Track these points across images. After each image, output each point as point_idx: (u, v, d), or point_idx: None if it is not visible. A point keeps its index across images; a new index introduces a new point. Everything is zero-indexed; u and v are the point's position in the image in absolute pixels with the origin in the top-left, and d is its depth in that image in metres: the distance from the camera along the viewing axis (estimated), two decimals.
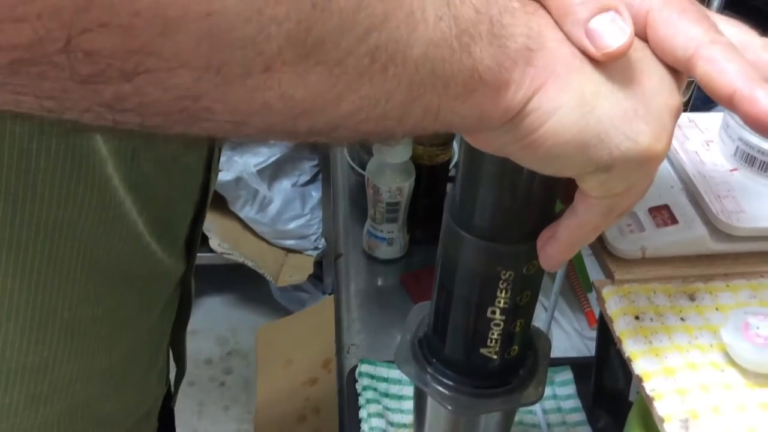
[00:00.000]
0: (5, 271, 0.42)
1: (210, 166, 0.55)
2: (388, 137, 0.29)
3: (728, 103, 0.31)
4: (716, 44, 0.31)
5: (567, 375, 0.70)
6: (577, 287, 0.79)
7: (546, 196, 0.39)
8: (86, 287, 0.46)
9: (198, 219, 0.57)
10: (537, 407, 0.68)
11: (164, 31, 0.21)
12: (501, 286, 0.42)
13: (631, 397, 0.65)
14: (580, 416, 0.67)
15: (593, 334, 0.75)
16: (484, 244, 0.40)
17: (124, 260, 0.48)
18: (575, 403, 0.68)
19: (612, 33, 0.29)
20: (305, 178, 1.76)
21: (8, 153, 0.38)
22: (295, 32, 0.23)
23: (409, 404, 0.67)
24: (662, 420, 0.37)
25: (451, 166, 0.87)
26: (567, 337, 0.77)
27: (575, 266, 0.79)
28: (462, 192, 0.41)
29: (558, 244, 0.36)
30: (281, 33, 0.22)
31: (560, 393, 0.69)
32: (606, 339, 0.67)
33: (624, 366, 0.66)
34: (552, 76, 0.29)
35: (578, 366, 0.71)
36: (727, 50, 0.31)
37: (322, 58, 0.24)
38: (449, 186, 0.89)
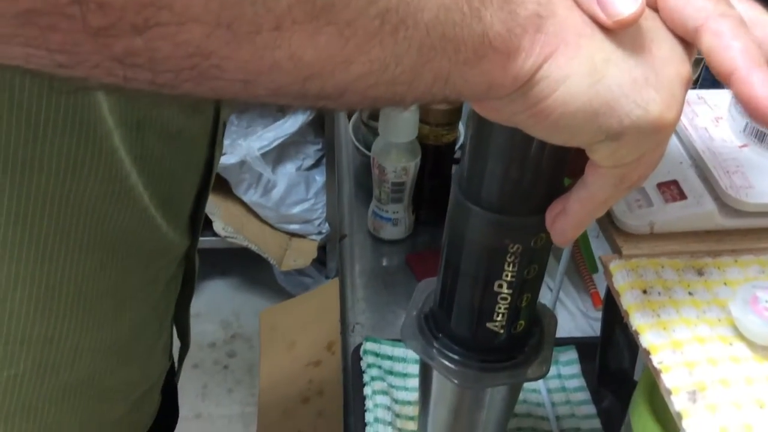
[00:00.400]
0: (12, 242, 0.42)
1: (214, 142, 0.55)
2: (398, 103, 0.28)
3: (726, 80, 0.31)
4: (725, 18, 0.31)
5: (572, 354, 0.70)
6: (583, 268, 0.79)
7: (555, 168, 0.39)
8: (92, 260, 0.46)
9: (202, 194, 0.57)
10: (541, 386, 0.68)
11: None
12: (508, 260, 0.42)
13: (636, 377, 0.65)
14: (585, 395, 0.68)
15: (598, 314, 0.75)
16: (493, 216, 0.40)
17: (130, 234, 0.48)
18: (580, 382, 0.69)
19: (623, 0, 0.29)
20: (309, 162, 1.76)
21: (16, 123, 0.38)
22: None
23: (414, 382, 0.67)
24: (669, 392, 0.37)
25: (456, 147, 0.87)
26: (572, 317, 0.77)
27: (581, 247, 0.79)
28: (470, 164, 0.40)
29: (569, 218, 0.36)
30: None
31: (565, 372, 0.69)
32: (611, 319, 0.67)
33: (629, 346, 0.66)
34: (562, 44, 0.29)
35: (583, 346, 0.71)
36: (735, 25, 0.31)
37: (332, 19, 0.24)
38: (455, 167, 0.89)
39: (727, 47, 0.30)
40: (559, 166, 0.39)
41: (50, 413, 0.49)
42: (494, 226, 0.41)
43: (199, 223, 0.57)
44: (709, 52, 0.31)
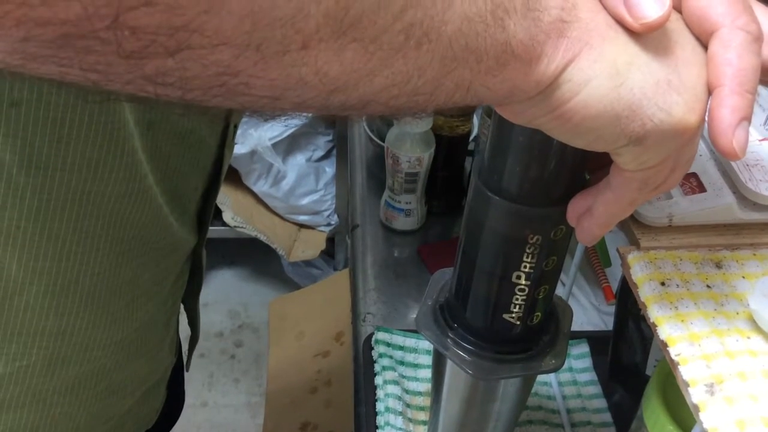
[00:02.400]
0: (31, 239, 0.42)
1: (224, 143, 0.56)
2: (419, 112, 0.29)
3: (710, 91, 0.31)
4: (740, 32, 0.31)
5: (583, 348, 0.70)
6: (595, 262, 0.79)
7: (577, 159, 0.39)
8: (108, 258, 0.46)
9: (210, 193, 0.57)
10: (552, 379, 0.68)
11: (208, 9, 0.21)
12: (528, 251, 0.42)
13: (648, 371, 0.65)
14: (596, 389, 0.68)
15: (610, 309, 0.75)
16: (513, 206, 0.40)
17: (145, 232, 0.48)
18: (591, 376, 0.69)
19: (650, 3, 0.29)
20: (320, 153, 1.76)
21: (42, 122, 0.39)
22: (334, 10, 0.23)
23: (425, 372, 0.67)
24: (687, 384, 0.37)
25: (470, 139, 0.87)
26: (584, 311, 0.77)
27: None
28: (492, 154, 0.40)
29: (594, 219, 0.36)
30: (320, 11, 0.23)
31: (576, 366, 0.69)
32: (624, 313, 0.67)
33: (641, 340, 0.66)
34: (586, 47, 0.29)
35: (595, 339, 0.71)
36: (746, 42, 0.31)
37: (358, 36, 0.24)
38: (468, 159, 0.89)
39: (724, 62, 0.31)
40: (581, 158, 0.39)
41: (60, 405, 0.50)
42: (514, 216, 0.41)
43: (207, 221, 0.58)
44: (710, 59, 0.31)
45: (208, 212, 0.57)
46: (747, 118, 0.30)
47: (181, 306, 0.65)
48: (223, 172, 0.57)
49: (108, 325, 0.49)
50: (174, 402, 0.70)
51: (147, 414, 0.60)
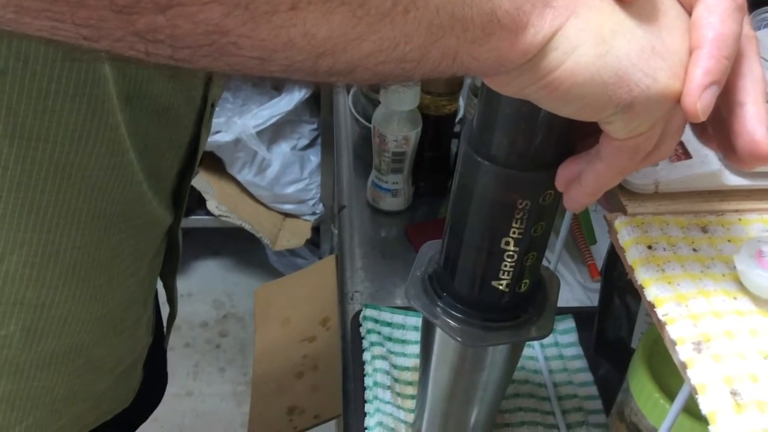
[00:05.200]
0: (12, 209, 0.42)
1: (201, 121, 0.56)
2: (406, 79, 0.29)
3: (691, 50, 0.32)
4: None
5: (569, 323, 0.71)
6: (580, 240, 0.80)
7: (565, 126, 0.39)
8: (90, 232, 0.46)
9: (185, 172, 0.57)
10: (539, 354, 0.69)
11: None
12: (517, 216, 0.42)
13: (634, 345, 0.66)
14: (582, 363, 0.68)
15: (595, 285, 0.76)
16: (503, 171, 0.40)
17: (126, 208, 0.48)
18: (577, 350, 0.69)
19: None
20: (304, 141, 1.75)
21: (27, 92, 0.39)
22: None
23: (413, 348, 0.67)
24: (674, 343, 0.37)
25: (456, 120, 0.87)
26: (570, 288, 0.77)
27: (579, 219, 0.79)
28: (481, 118, 0.41)
29: (583, 188, 0.37)
30: None
31: (562, 341, 0.70)
32: (609, 288, 0.67)
33: (627, 314, 0.67)
34: (572, 16, 0.29)
35: (580, 315, 0.72)
36: (730, 9, 0.31)
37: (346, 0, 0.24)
38: (454, 142, 0.89)
39: (707, 25, 0.31)
40: (569, 124, 0.39)
41: (37, 377, 0.49)
42: (504, 181, 0.41)
43: (183, 200, 0.58)
44: (693, 22, 0.32)
45: (183, 192, 0.58)
46: (718, 83, 0.31)
47: (160, 283, 0.65)
48: (199, 151, 0.58)
49: (88, 300, 0.49)
50: (156, 383, 0.70)
51: (125, 393, 0.60)
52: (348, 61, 0.26)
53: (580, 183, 0.37)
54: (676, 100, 0.31)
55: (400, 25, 0.26)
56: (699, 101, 0.31)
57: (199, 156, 0.58)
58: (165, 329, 0.70)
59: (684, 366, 0.37)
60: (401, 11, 0.26)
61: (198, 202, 1.71)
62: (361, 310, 0.69)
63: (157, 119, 0.48)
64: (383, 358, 0.64)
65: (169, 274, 0.65)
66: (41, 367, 0.49)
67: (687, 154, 0.45)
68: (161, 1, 0.22)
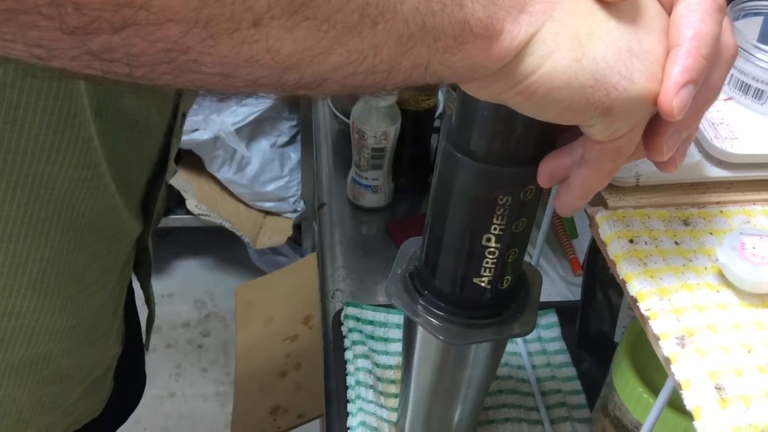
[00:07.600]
0: None
1: (172, 131, 0.55)
2: (378, 90, 0.29)
3: (669, 49, 0.31)
4: None
5: (552, 318, 0.71)
6: (562, 234, 0.79)
7: (545, 124, 0.38)
8: (60, 244, 0.46)
9: (155, 181, 0.56)
10: (522, 349, 0.69)
11: None
12: (498, 212, 0.42)
13: (617, 339, 0.66)
14: (565, 358, 0.68)
15: (577, 280, 0.76)
16: (483, 167, 0.40)
17: (97, 219, 0.48)
18: (560, 345, 0.69)
19: None
20: (284, 139, 1.74)
21: None
22: None
23: (395, 346, 0.66)
24: (658, 338, 0.37)
25: (435, 116, 0.86)
26: (552, 282, 0.77)
27: None
28: (460, 115, 0.40)
29: (572, 193, 0.36)
30: None
31: (545, 336, 0.70)
32: (592, 282, 0.67)
33: (610, 308, 0.67)
34: (548, 21, 0.29)
35: (563, 309, 0.71)
36: (710, 9, 0.31)
37: (311, 14, 0.24)
38: (434, 138, 0.88)
39: (686, 24, 0.31)
40: (548, 122, 0.38)
41: (2, 386, 0.48)
42: (484, 177, 0.40)
43: (152, 210, 0.57)
44: (673, 20, 0.32)
45: (152, 201, 0.57)
46: (694, 82, 0.31)
47: (138, 285, 0.64)
48: (169, 160, 0.57)
49: (58, 311, 0.48)
50: (134, 386, 0.69)
51: (95, 403, 0.59)
52: (315, 74, 0.26)
53: (569, 188, 0.36)
54: (655, 102, 0.31)
55: (368, 38, 0.25)
56: (675, 99, 0.30)
57: (168, 165, 0.57)
58: (144, 332, 0.69)
59: (668, 361, 0.36)
60: (369, 24, 0.25)
61: (177, 201, 1.70)
62: (342, 309, 0.68)
63: (129, 130, 0.48)
64: (365, 356, 0.64)
65: (144, 278, 0.64)
66: (8, 377, 0.48)
67: None
68: (116, 21, 0.21)
